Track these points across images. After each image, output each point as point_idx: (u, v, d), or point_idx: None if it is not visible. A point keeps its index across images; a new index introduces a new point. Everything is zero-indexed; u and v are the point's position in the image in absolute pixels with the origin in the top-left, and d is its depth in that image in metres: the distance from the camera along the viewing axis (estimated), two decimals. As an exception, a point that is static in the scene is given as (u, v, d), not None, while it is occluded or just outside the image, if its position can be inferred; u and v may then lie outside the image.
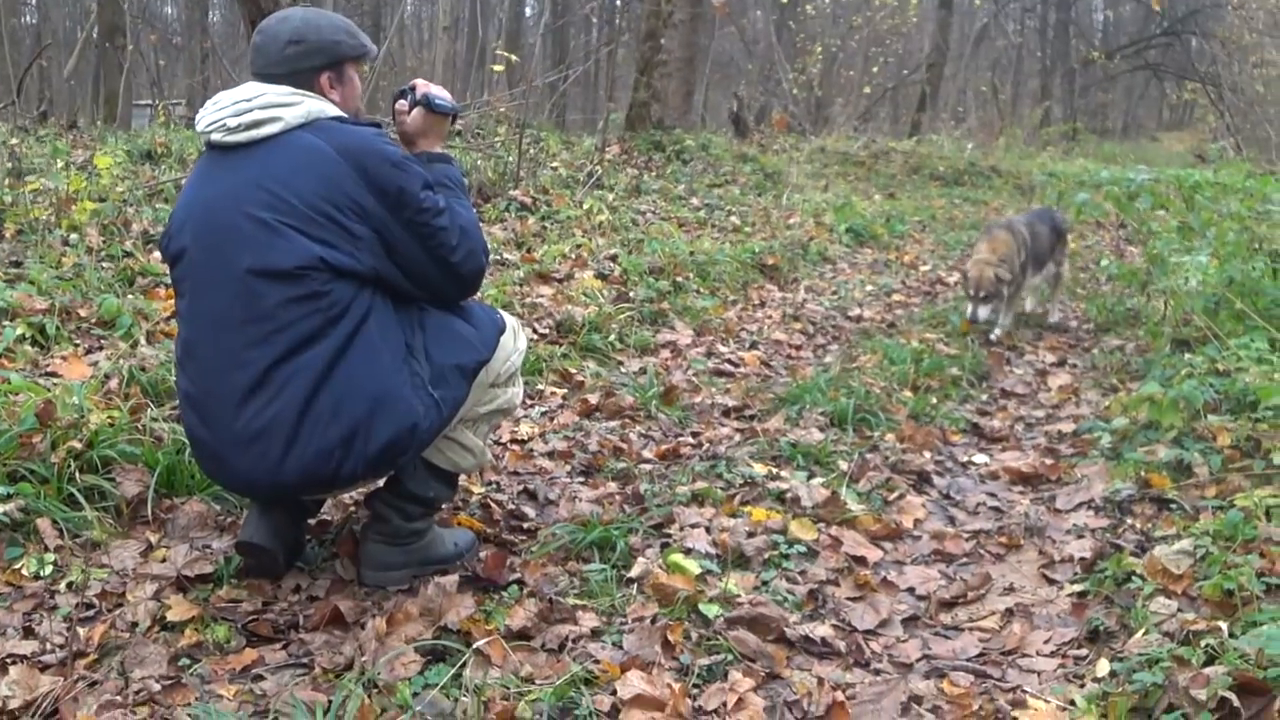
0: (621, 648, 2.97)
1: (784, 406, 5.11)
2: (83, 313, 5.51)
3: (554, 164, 12.83)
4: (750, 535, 3.65)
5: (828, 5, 23.53)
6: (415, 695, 2.72)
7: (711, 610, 3.15)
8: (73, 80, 19.55)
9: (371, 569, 3.36)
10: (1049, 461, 4.51)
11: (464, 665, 2.82)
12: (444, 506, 3.56)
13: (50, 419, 3.93)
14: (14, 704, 2.72)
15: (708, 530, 3.73)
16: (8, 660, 2.92)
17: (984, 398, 5.67)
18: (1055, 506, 4.08)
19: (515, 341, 3.44)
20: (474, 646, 2.87)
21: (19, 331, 5.16)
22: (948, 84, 25.59)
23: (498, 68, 10.16)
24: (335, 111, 3.15)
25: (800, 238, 9.82)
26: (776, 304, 7.88)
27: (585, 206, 9.52)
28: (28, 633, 3.08)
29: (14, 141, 9.45)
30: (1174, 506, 3.85)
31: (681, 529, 3.75)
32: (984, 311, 6.62)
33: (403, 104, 3.41)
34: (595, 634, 3.07)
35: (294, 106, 3.08)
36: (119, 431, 4.01)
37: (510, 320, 3.47)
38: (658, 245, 8.34)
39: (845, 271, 9.31)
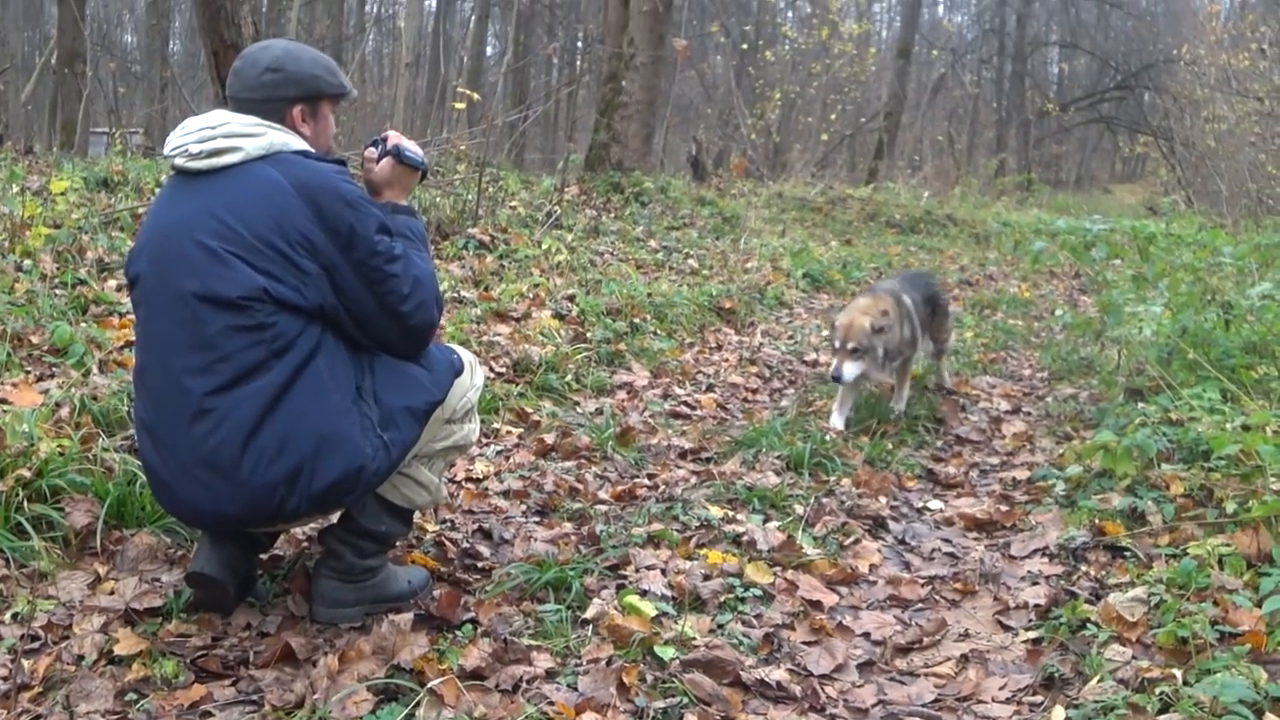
0: (576, 689, 2.94)
1: (740, 449, 5.11)
2: (34, 339, 5.43)
3: (513, 203, 12.83)
4: (706, 578, 3.63)
5: (787, 52, 23.76)
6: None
7: (667, 653, 3.13)
8: (30, 105, 19.40)
9: (324, 605, 3.32)
10: (1003, 508, 4.53)
11: (417, 705, 2.79)
12: (398, 543, 3.51)
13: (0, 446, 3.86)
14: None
15: (664, 572, 3.71)
16: (-51, 693, 2.85)
17: (939, 444, 5.69)
18: (1010, 553, 4.09)
19: (472, 378, 3.42)
20: (427, 686, 2.83)
21: (-33, 357, 5.07)
22: (905, 132, 25.94)
23: (459, 105, 10.17)
24: (300, 145, 3.13)
25: (757, 282, 9.86)
26: (733, 347, 7.90)
27: (544, 246, 9.52)
28: (-28, 665, 3.02)
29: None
30: (1128, 554, 3.87)
31: (638, 570, 3.73)
32: (851, 369, 5.41)
33: (372, 152, 3.39)
34: (550, 675, 3.04)
35: (256, 138, 3.07)
36: (69, 461, 3.95)
37: (467, 356, 3.47)
38: (615, 286, 8.35)
39: (801, 316, 9.35)
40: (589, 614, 3.35)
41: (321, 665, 2.93)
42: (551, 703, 2.86)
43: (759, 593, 3.60)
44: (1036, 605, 3.55)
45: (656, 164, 20.06)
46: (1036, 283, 11.74)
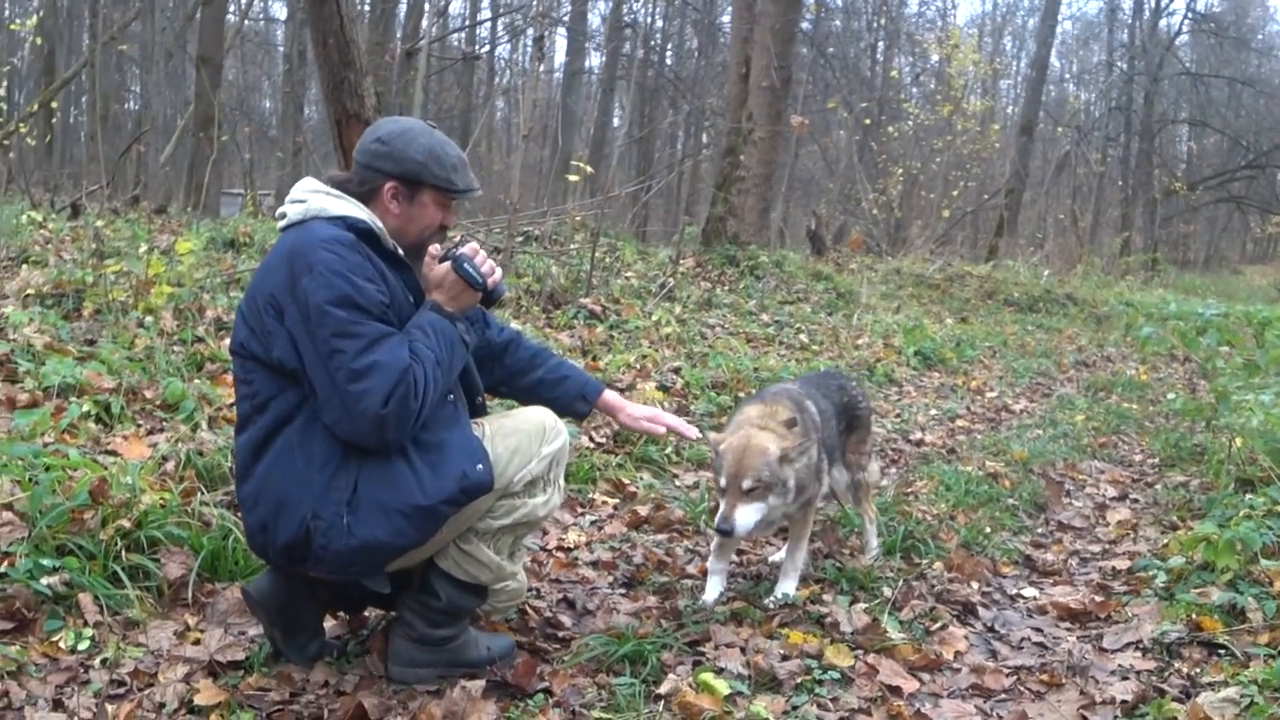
0: (641, 765, 2.95)
1: (834, 528, 5.07)
2: (148, 394, 5.67)
3: (629, 273, 13.02)
4: (785, 658, 3.60)
5: (910, 128, 23.72)
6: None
7: (737, 733, 3.11)
8: (168, 167, 20.30)
9: (399, 665, 3.38)
10: (1099, 599, 4.40)
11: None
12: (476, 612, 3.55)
13: (103, 497, 4.04)
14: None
15: (743, 650, 3.69)
16: (34, 733, 2.98)
17: (1039, 529, 5.58)
18: (1102, 645, 3.97)
19: (539, 447, 3.35)
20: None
21: (84, 409, 5.32)
22: (1028, 210, 25.61)
23: (573, 177, 10.40)
24: (338, 212, 3.19)
25: (868, 358, 9.81)
26: (838, 423, 7.85)
27: (654, 318, 9.62)
28: (57, 705, 3.15)
29: (99, 224, 9.80)
30: (1224, 652, 3.74)
31: (717, 647, 3.71)
32: (746, 517, 3.86)
33: (436, 249, 3.36)
34: (620, 749, 3.05)
35: (300, 204, 3.25)
36: (169, 513, 4.10)
37: (545, 422, 3.42)
38: (721, 360, 8.39)
39: (910, 394, 9.26)
40: (663, 689, 3.35)
41: (391, 727, 2.99)
42: (615, 777, 2.88)
43: (837, 675, 3.55)
44: (1124, 701, 3.43)
45: (774, 237, 20.14)
46: (1156, 365, 11.46)
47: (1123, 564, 4.93)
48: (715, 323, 10.72)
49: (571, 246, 12.11)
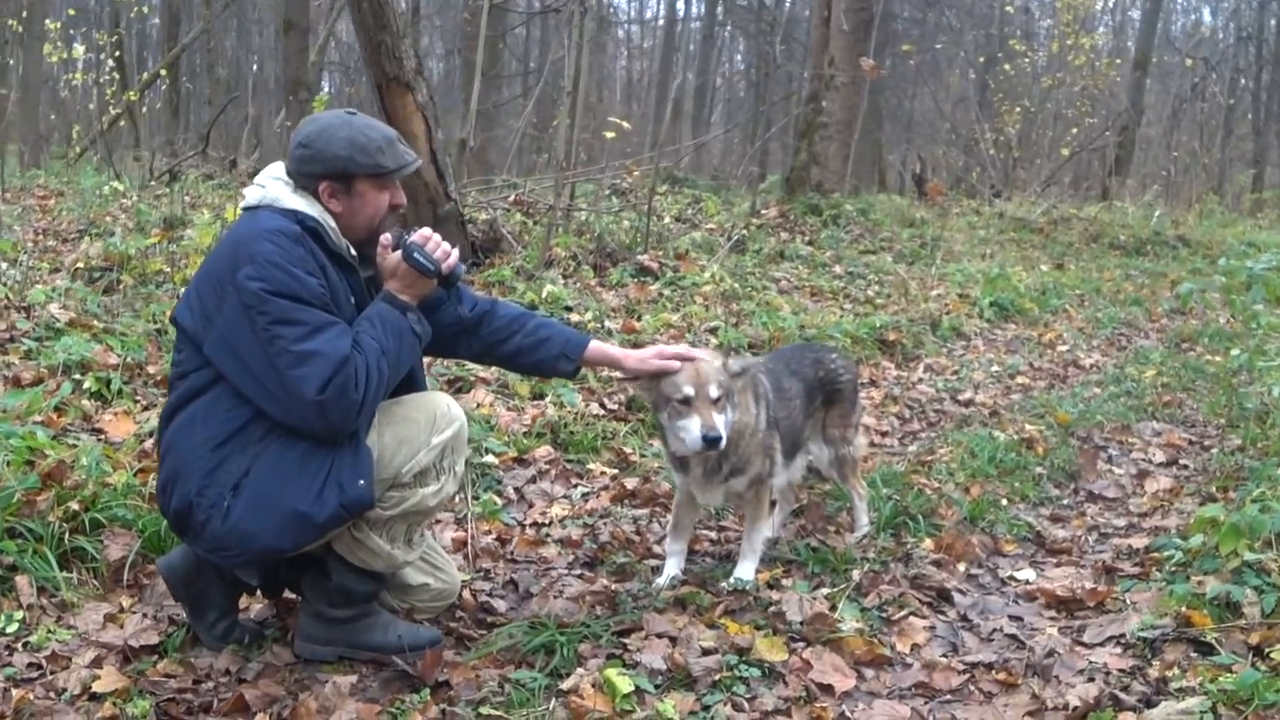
0: (507, 771, 2.76)
1: (820, 505, 4.78)
2: (151, 370, 5.64)
3: (709, 225, 12.72)
4: (707, 652, 3.38)
5: (1027, 65, 22.69)
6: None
7: (626, 735, 2.90)
8: (281, 130, 20.60)
9: (301, 640, 3.38)
10: (1092, 586, 4.04)
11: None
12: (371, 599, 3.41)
13: (60, 479, 4.00)
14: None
15: (673, 642, 3.47)
16: (-72, 719, 2.96)
17: (1065, 501, 5.20)
18: (1081, 639, 3.65)
19: (429, 436, 3.23)
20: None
21: (85, 386, 5.31)
22: (1151, 147, 24.31)
23: (610, 134, 10.12)
24: (291, 205, 3.19)
25: (935, 311, 9.35)
26: (887, 384, 7.49)
27: (708, 273, 9.33)
28: (-35, 688, 3.12)
29: (159, 194, 9.90)
30: (1210, 651, 3.36)
31: (647, 637, 3.52)
32: (722, 424, 3.62)
33: (388, 238, 3.31)
34: (496, 751, 2.87)
35: (258, 189, 3.27)
36: (119, 495, 4.05)
37: (440, 408, 3.30)
38: (765, 317, 8.07)
39: (977, 349, 8.82)
40: (566, 684, 3.18)
41: (254, 723, 2.87)
42: (478, 783, 2.70)
43: (762, 672, 3.32)
44: (1075, 708, 3.12)
45: (871, 183, 19.54)
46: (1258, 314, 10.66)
47: (1141, 542, 4.53)
48: (782, 276, 10.37)
49: (658, 200, 11.77)
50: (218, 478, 3.06)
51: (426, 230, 3.34)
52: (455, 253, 3.34)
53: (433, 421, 3.25)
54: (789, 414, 4.13)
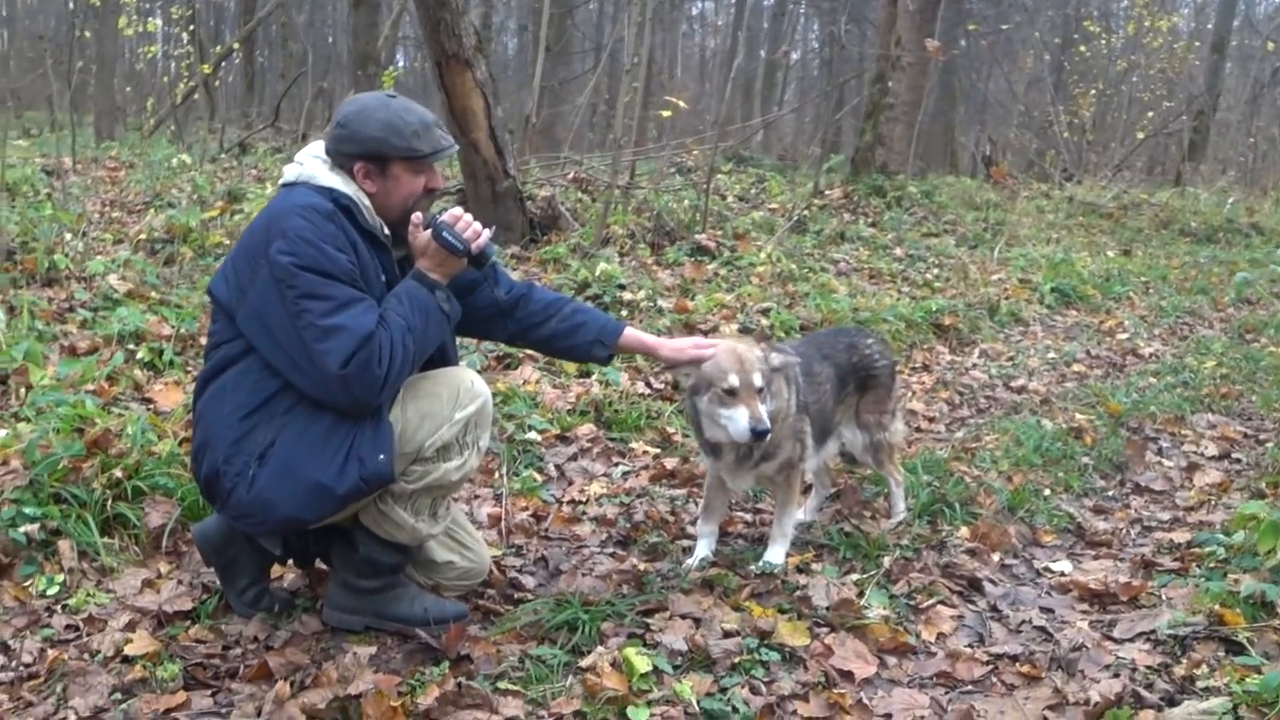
0: (521, 745, 2.80)
1: (857, 490, 4.75)
2: (203, 341, 5.73)
3: (772, 205, 12.66)
4: (728, 634, 3.39)
5: (1103, 47, 22.23)
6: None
7: (640, 715, 2.94)
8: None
9: (330, 609, 3.45)
10: (1126, 580, 3.98)
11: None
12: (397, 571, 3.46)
13: (106, 446, 4.10)
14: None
15: (697, 623, 3.48)
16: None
17: (1110, 492, 5.12)
18: (1111, 634, 3.60)
19: (451, 412, 3.26)
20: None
21: (140, 355, 5.43)
22: (1230, 131, 23.72)
23: (665, 113, 10.08)
24: (327, 183, 3.24)
25: (993, 296, 9.23)
26: (940, 369, 7.42)
27: (764, 253, 9.29)
28: (4, 648, 3.24)
29: (226, 167, 10.05)
30: (1242, 651, 3.31)
31: (671, 618, 3.52)
32: (767, 414, 3.62)
33: (419, 217, 3.33)
34: (508, 724, 2.91)
35: (295, 166, 3.33)
36: (163, 463, 4.14)
37: (463, 382, 3.32)
38: (818, 300, 8.02)
39: (1035, 335, 8.70)
40: (585, 662, 3.20)
41: (272, 691, 2.93)
42: (491, 756, 2.75)
43: (782, 656, 3.32)
44: (1096, 703, 3.08)
45: (943, 165, 19.32)
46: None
47: (1184, 537, 4.45)
48: (841, 257, 10.30)
49: (718, 178, 11.74)
50: (244, 446, 3.12)
51: (457, 210, 3.36)
52: (486, 233, 3.36)
53: (456, 397, 3.28)
54: (819, 398, 4.11)
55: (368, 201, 3.28)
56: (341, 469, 3.06)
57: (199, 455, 3.24)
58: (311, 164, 3.28)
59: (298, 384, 3.10)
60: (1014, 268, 10.62)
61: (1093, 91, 21.92)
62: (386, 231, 3.34)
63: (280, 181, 3.39)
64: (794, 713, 3.08)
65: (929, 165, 20.09)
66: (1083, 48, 22.15)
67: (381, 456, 3.08)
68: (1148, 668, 3.32)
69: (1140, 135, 20.91)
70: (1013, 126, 23.43)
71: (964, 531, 4.37)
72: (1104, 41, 22.42)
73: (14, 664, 3.16)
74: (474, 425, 3.31)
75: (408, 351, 3.13)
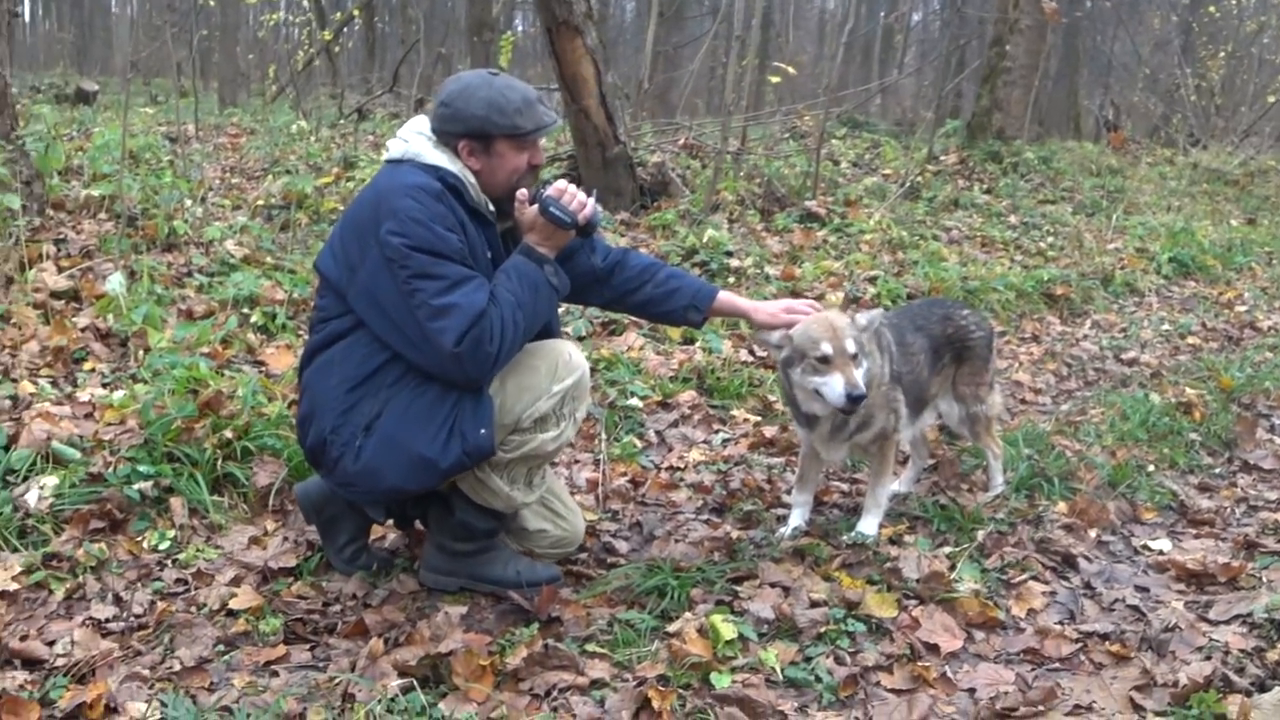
0: (603, 705, 2.89)
1: (955, 462, 4.73)
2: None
3: (886, 171, 12.55)
4: (815, 604, 3.42)
5: (1233, 7, 21.40)
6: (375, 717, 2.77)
7: (723, 681, 2.99)
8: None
9: (426, 570, 3.58)
10: (1226, 560, 3.91)
11: (442, 697, 2.87)
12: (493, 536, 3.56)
13: (218, 408, 4.28)
14: (60, 661, 3.03)
15: (786, 592, 3.53)
16: (85, 622, 3.26)
17: (1218, 469, 5.01)
18: (1206, 615, 3.54)
19: (550, 384, 3.33)
20: (454, 682, 2.92)
21: (254, 319, 5.62)
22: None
23: (774, 78, 10.00)
24: (433, 161, 3.29)
25: (1108, 265, 9.04)
26: (1049, 339, 7.31)
27: (873, 220, 9.22)
28: (117, 599, 3.41)
29: (344, 133, 10.26)
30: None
31: (760, 586, 3.57)
32: (862, 379, 3.61)
33: (524, 193, 3.37)
34: (595, 685, 3.00)
35: (402, 143, 3.38)
36: (272, 424, 4.31)
37: (561, 355, 3.39)
38: (927, 268, 7.94)
39: (1149, 306, 8.49)
40: (672, 627, 3.27)
41: (367, 647, 3.06)
42: (574, 715, 2.84)
43: (868, 627, 3.35)
44: (1184, 685, 3.05)
45: (1065, 129, 18.83)
46: None
47: (1292, 517, 4.36)
48: (954, 225, 10.16)
49: (833, 142, 11.67)
50: (351, 418, 3.23)
51: (562, 183, 3.40)
52: (591, 202, 3.39)
53: (554, 370, 3.35)
54: (913, 369, 4.09)
55: (473, 179, 3.33)
56: (445, 443, 3.16)
57: (305, 423, 3.36)
58: (417, 141, 3.34)
59: (411, 359, 3.19)
60: (1131, 236, 10.36)
61: (1221, 53, 21.13)
62: (491, 208, 3.40)
63: (385, 157, 3.45)
64: (877, 684, 3.11)
65: (1051, 130, 19.63)
66: (1211, 8, 21.31)
67: (483, 431, 3.18)
68: (1241, 651, 3.26)
69: (1270, 99, 20.08)
70: (1137, 90, 22.73)
71: (1062, 507, 4.33)
72: (1233, 1, 21.56)
73: (125, 615, 3.32)
74: (571, 398, 3.38)
75: (518, 327, 3.20)
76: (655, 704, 2.86)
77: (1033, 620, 3.52)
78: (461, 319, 3.07)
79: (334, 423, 3.25)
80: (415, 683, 2.89)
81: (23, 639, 3.10)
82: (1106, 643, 3.36)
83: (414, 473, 3.20)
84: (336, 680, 2.95)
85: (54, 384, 4.67)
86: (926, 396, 4.23)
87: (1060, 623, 3.51)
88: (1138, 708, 3.04)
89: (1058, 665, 3.27)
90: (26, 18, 38.83)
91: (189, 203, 7.20)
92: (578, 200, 3.36)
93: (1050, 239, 10.07)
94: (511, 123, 3.29)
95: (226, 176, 9.04)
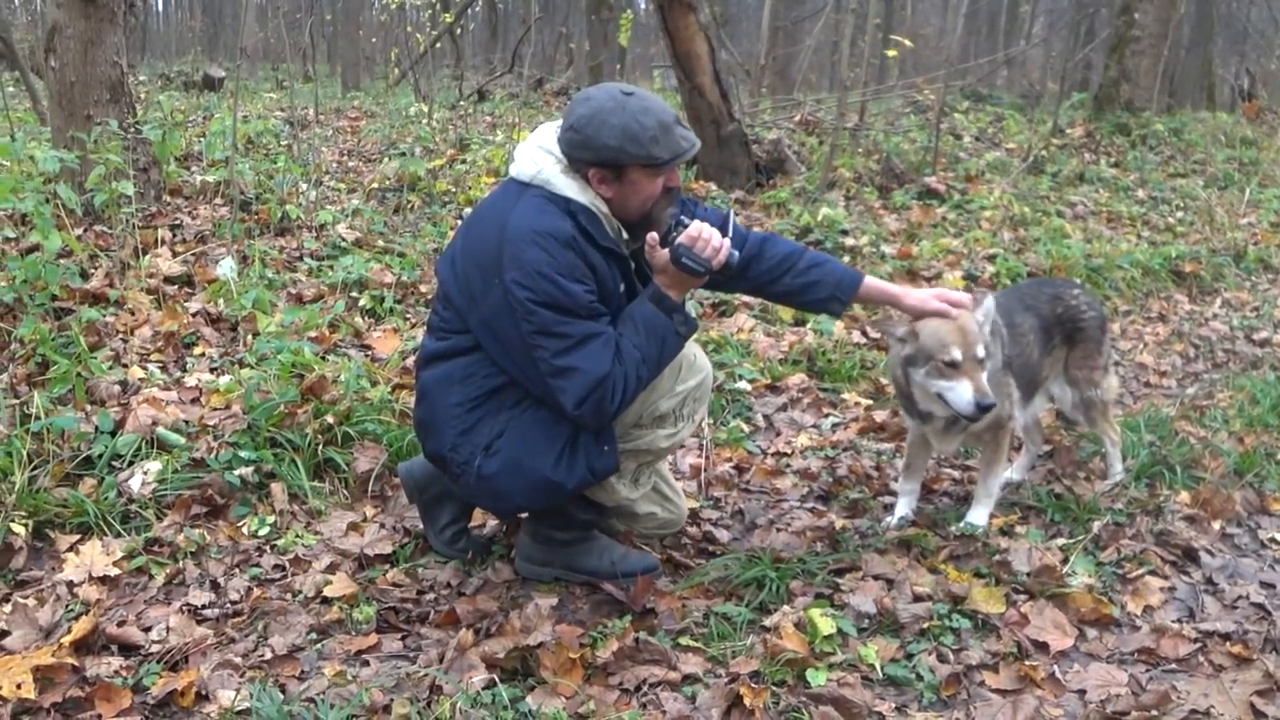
0: (693, 701, 2.84)
1: (1072, 449, 4.57)
2: (424, 289, 5.96)
3: (1010, 145, 12.25)
4: (918, 599, 3.32)
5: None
6: (461, 711, 2.76)
7: (818, 678, 2.92)
8: (580, 53, 21.05)
9: (521, 559, 3.55)
10: (1365, 555, 3.70)
11: (529, 691, 2.85)
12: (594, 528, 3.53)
13: (320, 393, 4.34)
14: (155, 647, 3.08)
15: (890, 584, 3.43)
16: (182, 608, 3.31)
17: (1367, 457, 4.74)
18: (1340, 615, 3.35)
19: (673, 384, 3.30)
20: (542, 676, 2.90)
21: (362, 303, 5.69)
22: None
23: (891, 53, 9.76)
24: (562, 190, 3.14)
25: (1241, 241, 8.65)
26: (1176, 319, 7.03)
27: (993, 196, 8.97)
28: (214, 585, 3.46)
29: (463, 114, 10.32)
30: None
31: (864, 578, 3.48)
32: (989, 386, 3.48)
33: (654, 236, 3.22)
34: (687, 680, 2.95)
35: (530, 162, 3.20)
36: (374, 409, 4.34)
37: (687, 356, 3.34)
38: (1049, 245, 7.70)
39: (1285, 285, 8.11)
40: (769, 621, 3.20)
41: (456, 638, 3.05)
42: (664, 711, 2.80)
43: (975, 623, 3.24)
44: (1311, 691, 2.89)
45: (1199, 100, 18.09)
46: None
47: None
48: (1079, 200, 9.83)
49: (955, 115, 11.40)
50: (471, 438, 3.21)
51: (694, 228, 3.17)
52: (726, 244, 3.20)
53: (678, 371, 3.30)
54: (1022, 351, 3.92)
55: (605, 208, 3.18)
56: (570, 465, 3.15)
57: (422, 429, 3.38)
58: (546, 164, 3.17)
59: (533, 392, 3.17)
60: (1266, 210, 9.90)
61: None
62: (625, 235, 3.26)
63: (513, 172, 3.27)
64: (981, 683, 3.00)
65: (1183, 100, 18.88)
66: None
67: (606, 448, 3.17)
68: (1378, 655, 3.09)
69: None
70: (1275, 57, 21.73)
71: (1184, 496, 4.14)
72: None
73: (222, 601, 3.36)
74: (692, 399, 3.35)
75: (640, 382, 3.12)
76: (747, 701, 2.79)
77: (1149, 618, 3.36)
78: (583, 383, 3.01)
79: (454, 440, 3.24)
80: (500, 677, 2.87)
81: (120, 624, 3.15)
82: (1228, 643, 3.20)
83: (540, 494, 3.21)
84: (423, 673, 2.95)
85: (163, 369, 4.77)
86: (1038, 380, 4.07)
87: (1178, 621, 3.35)
88: (1259, 714, 2.88)
89: (1174, 666, 3.12)
90: (159, 7, 40.10)
91: (304, 186, 7.31)
92: (711, 246, 3.16)
93: (1180, 214, 9.69)
94: (647, 152, 3.07)
95: (343, 160, 9.18)
